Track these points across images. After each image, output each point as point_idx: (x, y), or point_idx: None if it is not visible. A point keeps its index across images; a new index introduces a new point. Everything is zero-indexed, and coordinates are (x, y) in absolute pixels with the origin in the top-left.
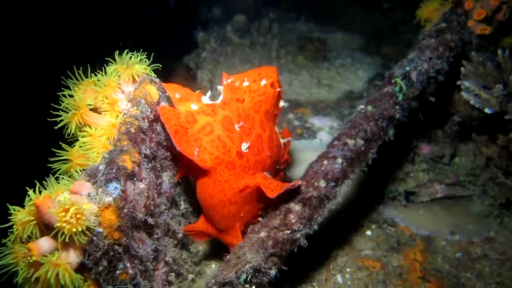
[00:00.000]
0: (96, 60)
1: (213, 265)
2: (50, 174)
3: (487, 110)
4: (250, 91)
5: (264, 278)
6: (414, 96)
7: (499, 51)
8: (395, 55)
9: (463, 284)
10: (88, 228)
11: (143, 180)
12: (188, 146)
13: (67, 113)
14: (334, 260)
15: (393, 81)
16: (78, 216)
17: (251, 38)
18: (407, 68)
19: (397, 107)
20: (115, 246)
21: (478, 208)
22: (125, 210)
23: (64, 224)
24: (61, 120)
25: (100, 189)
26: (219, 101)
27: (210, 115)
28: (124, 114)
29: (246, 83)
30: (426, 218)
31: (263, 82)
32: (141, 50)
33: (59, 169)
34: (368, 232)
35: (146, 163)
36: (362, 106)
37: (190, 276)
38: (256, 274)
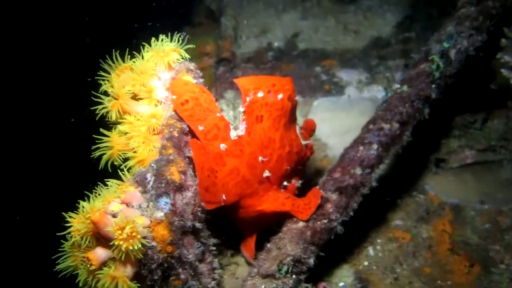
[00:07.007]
0: None
1: None
2: (100, 183)
3: None
4: (267, 105)
5: (304, 267)
6: (451, 74)
7: None
8: None
9: (492, 258)
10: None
11: (190, 188)
12: (215, 198)
13: (106, 97)
14: (365, 231)
15: (430, 58)
16: (133, 234)
17: None
18: (446, 45)
19: (433, 86)
20: (169, 258)
21: (508, 174)
22: (176, 223)
23: (121, 243)
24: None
25: (151, 203)
26: (242, 128)
27: (238, 156)
28: (164, 103)
29: (260, 94)
30: (456, 185)
31: (280, 96)
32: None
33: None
34: (398, 200)
35: (191, 169)
36: (398, 85)
37: (229, 252)
38: (296, 264)
